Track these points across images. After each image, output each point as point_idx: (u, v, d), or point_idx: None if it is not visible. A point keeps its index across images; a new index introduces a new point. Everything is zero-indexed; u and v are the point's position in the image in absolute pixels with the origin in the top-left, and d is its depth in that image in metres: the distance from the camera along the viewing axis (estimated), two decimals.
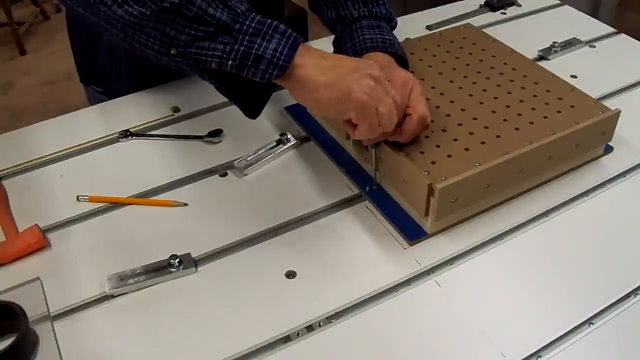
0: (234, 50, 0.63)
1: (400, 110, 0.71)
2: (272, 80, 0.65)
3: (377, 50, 0.82)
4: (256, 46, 0.63)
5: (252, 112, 0.74)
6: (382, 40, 0.83)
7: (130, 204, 0.79)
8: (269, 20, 0.65)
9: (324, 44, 0.96)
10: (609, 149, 0.86)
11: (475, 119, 0.80)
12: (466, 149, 0.75)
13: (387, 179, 0.78)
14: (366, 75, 0.66)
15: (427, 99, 0.83)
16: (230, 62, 0.63)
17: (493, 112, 0.81)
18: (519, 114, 0.80)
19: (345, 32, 0.87)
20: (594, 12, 2.27)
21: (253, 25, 0.64)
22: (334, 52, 0.89)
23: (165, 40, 0.65)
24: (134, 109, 0.95)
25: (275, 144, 0.87)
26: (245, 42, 0.63)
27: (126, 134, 0.89)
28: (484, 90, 0.85)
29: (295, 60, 0.64)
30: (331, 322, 0.65)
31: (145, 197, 0.80)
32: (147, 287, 0.68)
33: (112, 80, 0.99)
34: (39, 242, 0.72)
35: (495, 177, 0.73)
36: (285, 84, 0.66)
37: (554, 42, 1.09)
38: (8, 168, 0.84)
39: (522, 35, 1.12)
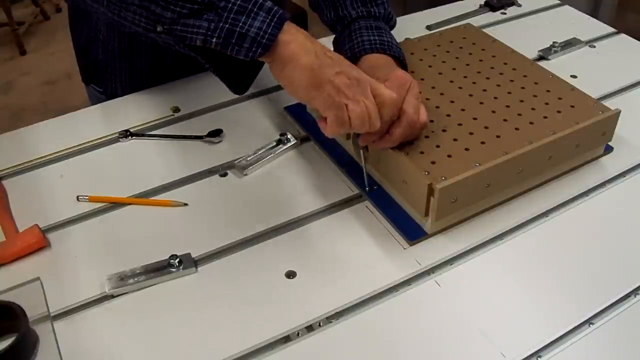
0: (218, 28, 0.63)
1: (394, 111, 0.70)
2: (256, 58, 0.64)
3: (375, 52, 0.82)
4: (240, 24, 0.63)
5: (239, 88, 0.74)
6: (381, 42, 0.83)
7: (130, 204, 0.79)
8: None
9: (324, 44, 0.96)
10: (609, 149, 0.86)
11: (475, 119, 0.80)
12: (466, 149, 0.75)
13: (387, 179, 0.78)
14: (343, 73, 0.66)
15: (427, 99, 0.83)
16: (214, 39, 0.63)
17: (493, 112, 0.81)
18: (519, 114, 0.80)
19: (345, 33, 0.87)
20: (594, 12, 2.27)
21: (238, 2, 0.63)
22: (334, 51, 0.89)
23: (151, 17, 0.65)
24: (134, 109, 0.95)
25: (275, 144, 0.87)
26: (229, 20, 0.63)
27: (126, 134, 0.89)
28: (484, 90, 0.85)
29: (281, 37, 0.64)
30: (331, 322, 0.65)
31: (145, 197, 0.80)
32: (147, 287, 0.68)
33: (109, 78, 0.99)
34: (39, 242, 0.72)
35: (495, 177, 0.73)
36: (267, 60, 0.66)
37: (554, 42, 1.09)
38: (8, 168, 0.84)
39: (522, 35, 1.12)
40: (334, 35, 0.93)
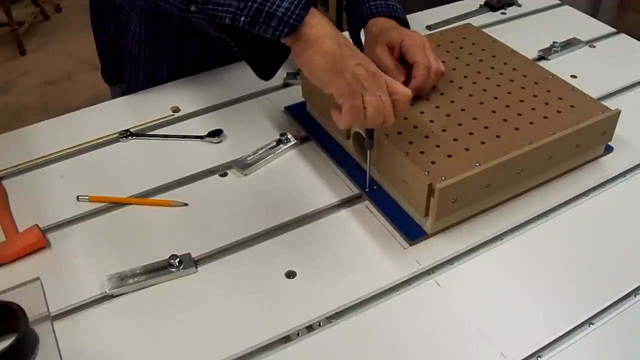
0: (247, 7, 0.66)
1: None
2: (282, 38, 0.66)
3: (382, 16, 0.89)
4: (269, 4, 0.65)
5: (265, 73, 0.78)
6: (387, 6, 0.90)
7: (130, 204, 0.79)
8: None
9: None
10: (609, 149, 0.86)
11: (475, 119, 0.80)
12: (466, 149, 0.75)
13: (387, 179, 0.78)
14: (362, 65, 0.67)
15: (427, 99, 0.83)
16: (243, 17, 0.66)
17: (493, 112, 0.81)
18: (519, 114, 0.80)
19: (353, 0, 0.93)
20: (594, 12, 2.27)
21: None
22: (347, 19, 0.97)
23: None
24: (134, 109, 0.95)
25: (275, 144, 0.87)
26: (259, 0, 0.66)
27: (126, 134, 0.89)
28: (484, 90, 0.85)
29: (307, 19, 0.66)
30: (331, 322, 0.65)
31: (145, 197, 0.80)
32: (147, 287, 0.68)
33: (132, 69, 1.00)
34: (39, 242, 0.72)
35: (495, 177, 0.73)
36: (290, 41, 0.67)
37: (554, 42, 1.09)
38: (8, 168, 0.84)
39: (522, 35, 1.12)
40: (346, 32, 0.97)
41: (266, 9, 0.65)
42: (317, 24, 0.66)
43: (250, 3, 0.66)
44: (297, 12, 0.65)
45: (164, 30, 0.95)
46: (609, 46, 1.12)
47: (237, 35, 0.72)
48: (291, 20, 0.65)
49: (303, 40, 0.66)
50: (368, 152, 0.76)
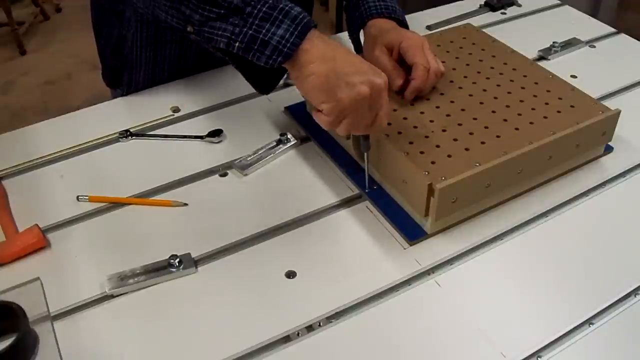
0: (242, 33, 0.65)
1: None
2: (275, 66, 0.66)
3: (381, 17, 0.88)
4: (264, 31, 0.65)
5: (264, 88, 0.77)
6: (385, 7, 0.89)
7: (130, 204, 0.79)
8: (281, 5, 0.65)
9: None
10: (609, 149, 0.86)
11: (475, 119, 0.80)
12: (466, 149, 0.75)
13: (387, 179, 0.78)
14: (364, 83, 0.66)
15: (427, 99, 0.83)
16: (237, 44, 0.65)
17: (493, 112, 0.81)
18: (519, 114, 0.80)
19: (352, 1, 0.93)
20: (594, 12, 2.27)
21: (264, 9, 0.65)
22: (346, 19, 0.97)
23: (181, 18, 0.68)
24: (134, 109, 0.95)
25: (275, 144, 0.87)
26: (254, 26, 0.65)
27: (126, 134, 0.89)
28: (484, 90, 0.85)
29: (303, 45, 0.65)
30: (331, 322, 0.65)
31: (145, 197, 0.80)
32: (147, 287, 0.68)
33: (133, 71, 0.99)
34: (39, 242, 0.72)
35: (495, 177, 0.73)
36: (287, 65, 0.67)
37: (554, 42, 1.09)
38: (8, 168, 0.84)
39: (522, 35, 1.12)
40: (335, 34, 0.95)
41: (261, 36, 0.64)
42: (311, 48, 0.66)
43: (245, 29, 0.65)
44: (292, 40, 0.64)
45: (165, 34, 0.94)
46: (609, 46, 1.12)
47: (235, 54, 0.71)
48: (285, 49, 0.64)
49: (297, 65, 0.66)
50: (365, 154, 0.76)
